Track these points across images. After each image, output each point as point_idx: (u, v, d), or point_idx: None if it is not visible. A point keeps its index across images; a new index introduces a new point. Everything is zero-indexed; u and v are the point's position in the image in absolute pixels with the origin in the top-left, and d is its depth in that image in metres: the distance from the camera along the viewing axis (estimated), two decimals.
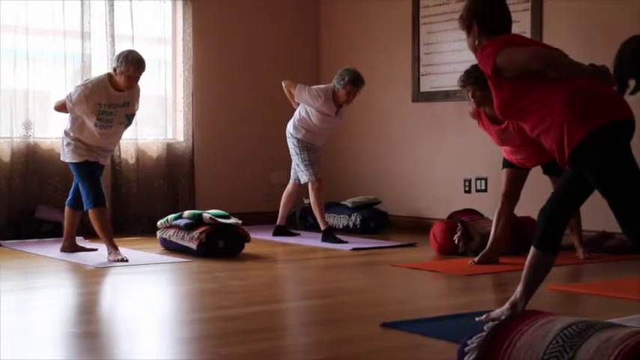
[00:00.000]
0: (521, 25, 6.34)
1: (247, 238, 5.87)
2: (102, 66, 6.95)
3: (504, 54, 3.35)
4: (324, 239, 6.53)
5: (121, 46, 7.00)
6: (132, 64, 5.42)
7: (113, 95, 5.50)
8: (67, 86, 6.84)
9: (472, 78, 4.94)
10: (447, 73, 7.10)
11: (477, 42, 3.48)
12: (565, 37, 6.05)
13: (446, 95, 7.17)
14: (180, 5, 7.56)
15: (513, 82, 3.37)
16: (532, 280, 3.48)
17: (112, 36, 7.10)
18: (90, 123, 5.51)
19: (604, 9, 6.13)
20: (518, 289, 3.51)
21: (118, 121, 5.57)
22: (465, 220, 5.90)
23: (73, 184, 5.79)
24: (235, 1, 7.88)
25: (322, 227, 6.60)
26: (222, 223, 5.79)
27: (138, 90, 5.66)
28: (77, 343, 3.31)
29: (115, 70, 5.48)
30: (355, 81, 6.44)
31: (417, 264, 5.42)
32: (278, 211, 7.00)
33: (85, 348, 3.23)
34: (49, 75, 6.99)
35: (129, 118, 5.65)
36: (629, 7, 5.98)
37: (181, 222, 5.87)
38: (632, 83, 3.39)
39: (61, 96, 5.92)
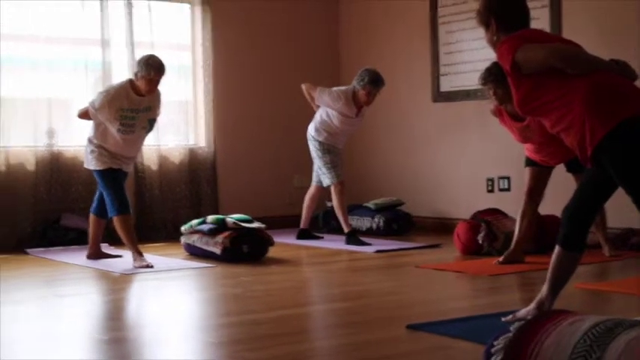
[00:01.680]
0: (539, 22, 6.31)
1: (271, 242, 5.88)
2: (122, 73, 7.00)
3: (523, 50, 3.34)
4: (347, 242, 6.53)
5: (141, 53, 7.03)
6: (152, 67, 5.46)
7: (135, 100, 5.54)
8: (88, 94, 6.88)
9: (493, 75, 4.92)
10: (466, 72, 7.08)
11: (495, 37, 3.48)
12: (584, 34, 6.02)
13: (466, 94, 7.15)
14: (199, 11, 7.60)
15: (533, 79, 3.36)
16: (558, 279, 3.47)
17: (132, 43, 7.15)
18: (113, 129, 5.55)
19: (622, 6, 6.09)
20: (544, 288, 3.50)
21: (140, 125, 5.60)
22: (489, 219, 5.88)
23: (97, 191, 5.83)
24: (253, 5, 7.91)
25: (346, 230, 6.60)
26: (245, 227, 5.81)
27: (159, 95, 5.70)
28: (104, 350, 3.33)
29: (136, 75, 5.52)
30: (375, 81, 6.44)
31: (441, 265, 5.41)
32: (301, 215, 7.01)
33: (112, 354, 3.25)
34: (71, 83, 7.05)
35: (151, 123, 5.69)
36: None
37: (205, 227, 5.89)
38: None
39: (82, 104, 5.97)
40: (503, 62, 3.42)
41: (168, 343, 3.48)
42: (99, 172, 5.64)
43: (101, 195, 5.73)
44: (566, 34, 6.23)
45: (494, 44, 3.48)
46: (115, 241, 6.14)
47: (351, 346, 3.31)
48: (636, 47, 3.80)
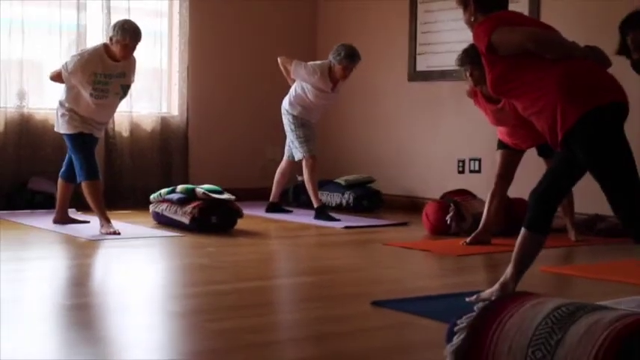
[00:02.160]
0: (518, 5, 6.31)
1: (240, 214, 5.87)
2: (97, 37, 6.93)
3: (499, 32, 3.34)
4: (316, 217, 6.54)
5: (117, 18, 6.96)
6: (128, 33, 5.40)
7: (109, 65, 5.48)
8: (61, 57, 6.80)
9: (470, 57, 4.93)
10: (443, 53, 7.07)
11: (472, 18, 3.47)
12: (562, 20, 6.03)
13: (442, 74, 7.15)
14: None
15: (507, 61, 3.36)
16: (522, 261, 3.49)
17: (108, 7, 7.07)
18: (85, 93, 5.49)
19: None
20: (509, 269, 3.52)
21: (113, 91, 5.55)
22: (458, 200, 5.91)
23: (67, 156, 5.78)
24: None
25: (315, 205, 6.60)
26: (215, 198, 5.79)
27: (134, 61, 5.64)
28: (67, 315, 3.31)
29: (111, 39, 5.46)
30: (351, 56, 6.42)
31: (409, 243, 5.43)
32: (271, 188, 6.99)
33: (75, 320, 3.23)
34: (44, 45, 6.96)
35: (124, 90, 5.63)
36: None
37: (174, 196, 5.87)
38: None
39: (55, 66, 5.90)
40: (478, 43, 3.43)
41: (131, 310, 3.47)
42: (69, 136, 5.59)
43: (71, 159, 5.68)
44: (545, 17, 6.23)
45: (472, 25, 3.48)
46: (83, 207, 6.09)
47: (315, 320, 3.32)
48: (615, 32, 3.80)
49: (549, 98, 3.27)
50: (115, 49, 5.45)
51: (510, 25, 3.39)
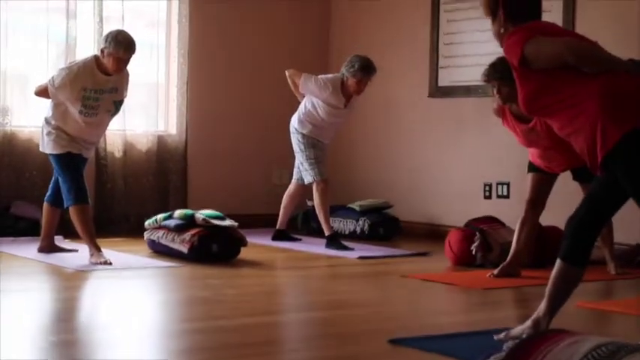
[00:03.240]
0: (551, 15, 6.33)
1: (244, 242, 5.87)
2: (88, 48, 6.97)
3: (534, 43, 3.35)
4: (328, 245, 6.53)
5: (110, 27, 7.01)
6: (121, 45, 5.43)
7: (100, 80, 5.50)
8: (48, 69, 6.85)
9: (498, 72, 4.93)
10: (468, 66, 7.09)
11: (502, 29, 3.48)
12: (599, 29, 6.04)
13: (466, 90, 7.16)
14: None
15: (542, 75, 3.36)
16: (557, 296, 3.47)
17: (101, 16, 7.12)
18: (74, 110, 5.51)
19: None
20: (542, 305, 3.50)
21: (104, 108, 5.57)
22: (484, 228, 5.90)
23: (53, 178, 5.79)
24: None
25: (327, 232, 6.60)
26: (216, 225, 5.79)
27: (127, 75, 5.67)
28: (52, 353, 3.30)
29: (102, 51, 5.48)
30: (366, 68, 6.44)
31: (430, 275, 5.42)
32: (278, 214, 7.00)
33: (61, 358, 3.22)
34: (29, 56, 7.00)
35: (116, 106, 5.66)
36: None
37: (171, 223, 5.87)
38: None
39: (41, 80, 5.93)
40: (510, 55, 3.43)
41: (123, 348, 3.46)
42: (56, 156, 5.61)
43: (57, 182, 5.69)
44: (580, 29, 6.25)
45: (501, 37, 3.48)
46: (71, 234, 6.10)
47: None
48: None
49: (588, 116, 3.27)
50: (107, 62, 5.48)
51: (545, 36, 3.39)
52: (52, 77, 5.60)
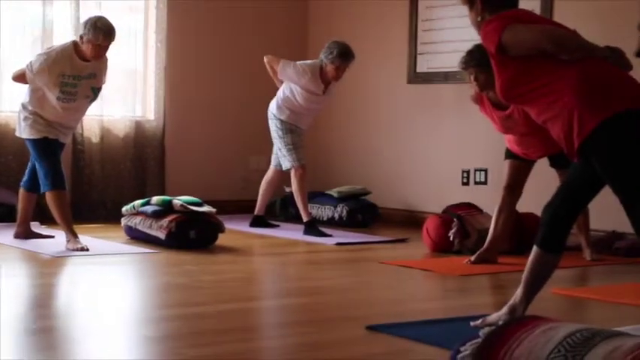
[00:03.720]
0: (529, 3, 6.33)
1: (221, 229, 5.86)
2: (65, 33, 6.92)
3: (511, 30, 3.35)
4: (306, 232, 6.53)
5: (87, 12, 6.96)
6: (101, 31, 5.39)
7: (78, 65, 5.47)
8: (25, 54, 6.79)
9: (475, 59, 4.94)
10: (446, 53, 7.09)
11: (479, 18, 3.48)
12: (578, 17, 6.06)
13: (445, 77, 7.17)
14: None
15: (519, 62, 3.37)
16: (533, 283, 3.49)
17: (77, 1, 7.05)
18: (52, 96, 5.47)
19: None
20: (518, 291, 3.52)
21: (82, 94, 5.54)
22: (462, 214, 5.91)
23: (29, 163, 5.76)
24: None
25: (305, 219, 6.60)
26: (194, 211, 5.78)
27: (106, 61, 5.64)
28: (30, 340, 3.30)
29: (81, 38, 5.45)
30: (344, 54, 6.43)
31: (407, 262, 5.43)
32: (256, 200, 6.99)
33: (38, 346, 3.21)
34: (5, 41, 6.93)
35: (95, 92, 5.63)
36: None
37: (149, 209, 5.86)
38: None
39: (18, 65, 5.88)
40: (487, 43, 3.43)
41: (100, 335, 3.45)
42: (33, 141, 5.57)
43: (34, 167, 5.66)
44: (559, 15, 6.27)
45: (479, 25, 3.48)
46: (47, 220, 6.07)
47: (303, 347, 3.31)
48: (634, 33, 3.83)
49: (565, 103, 3.28)
50: (86, 48, 5.44)
51: (523, 24, 3.39)
52: (30, 62, 5.56)
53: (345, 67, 6.48)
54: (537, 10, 6.36)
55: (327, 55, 6.46)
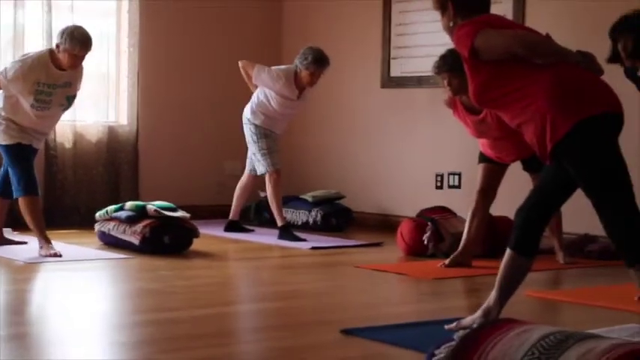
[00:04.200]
0: (502, 6, 6.37)
1: (196, 234, 5.84)
2: (36, 37, 6.88)
3: (484, 35, 3.37)
4: (280, 236, 6.53)
5: (58, 16, 6.96)
6: (78, 42, 5.36)
7: (54, 74, 5.44)
8: None
9: (448, 64, 4.96)
10: (420, 57, 7.11)
11: (451, 23, 3.50)
12: (549, 21, 6.10)
13: (418, 81, 7.19)
14: None
15: (492, 67, 3.38)
16: (507, 286, 3.50)
17: (49, 5, 7.01)
18: (26, 103, 5.44)
19: None
20: (492, 295, 3.53)
21: (57, 102, 5.51)
22: (436, 218, 5.93)
23: (2, 169, 5.72)
24: None
25: (279, 223, 6.59)
26: (168, 216, 5.77)
27: (81, 70, 5.61)
28: (3, 347, 3.26)
29: (57, 46, 5.41)
30: (319, 60, 6.44)
31: (382, 265, 5.44)
32: (231, 205, 6.98)
33: (12, 352, 3.18)
34: None
35: (69, 100, 5.60)
36: None
37: (123, 214, 5.83)
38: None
39: None
40: (460, 47, 3.45)
41: (74, 341, 3.43)
42: (6, 147, 5.53)
43: (6, 173, 5.62)
44: (531, 19, 6.31)
45: (451, 30, 3.50)
46: (20, 226, 6.02)
47: (278, 351, 3.30)
48: (606, 38, 3.87)
49: (538, 107, 3.30)
50: (62, 57, 5.41)
51: (495, 29, 3.41)
52: (5, 69, 5.52)
53: (320, 73, 6.49)
54: (509, 15, 6.39)
55: (301, 60, 6.46)
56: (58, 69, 5.45)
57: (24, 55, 5.65)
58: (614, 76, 3.70)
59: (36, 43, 6.79)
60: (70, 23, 5.96)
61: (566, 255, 5.62)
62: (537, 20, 6.14)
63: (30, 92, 5.40)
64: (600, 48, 3.73)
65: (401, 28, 7.37)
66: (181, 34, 7.83)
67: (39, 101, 5.43)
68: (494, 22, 3.48)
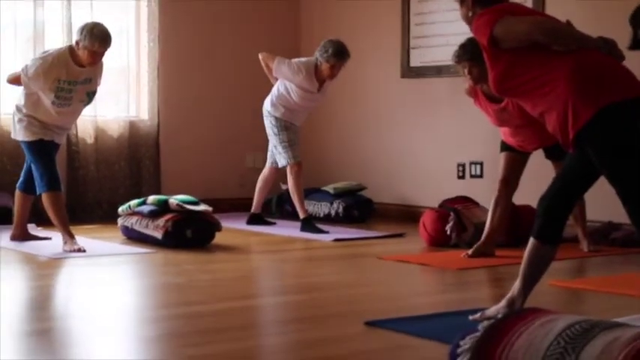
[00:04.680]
0: None
1: (218, 227, 5.85)
2: (56, 33, 6.91)
3: (503, 23, 3.35)
4: (303, 229, 6.53)
5: (78, 12, 6.97)
6: (97, 39, 5.37)
7: (74, 71, 5.46)
8: (16, 55, 6.79)
9: (468, 53, 4.94)
10: (439, 46, 7.09)
11: (470, 13, 3.48)
12: (569, 5, 6.07)
13: (438, 71, 7.17)
14: None
15: (512, 55, 3.37)
16: (531, 275, 3.49)
17: (69, 1, 7.03)
18: (47, 100, 5.47)
19: None
20: (516, 284, 3.52)
21: (77, 99, 5.53)
22: (458, 208, 5.91)
23: (25, 165, 5.76)
24: None
25: (301, 215, 6.60)
26: (190, 210, 5.78)
27: (101, 65, 5.63)
28: (29, 342, 3.29)
29: (77, 43, 5.43)
30: (340, 53, 6.42)
31: (405, 256, 5.43)
32: (253, 198, 6.99)
33: (37, 348, 3.21)
34: None
35: (89, 96, 5.62)
36: None
37: (145, 208, 5.85)
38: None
39: (10, 67, 5.87)
40: (479, 36, 3.43)
41: (99, 336, 3.45)
42: (28, 143, 5.57)
43: (29, 169, 5.66)
44: (550, 10, 6.27)
45: (470, 20, 3.48)
46: (44, 221, 6.07)
47: (302, 344, 3.31)
48: (627, 24, 3.85)
49: (559, 94, 3.28)
50: (82, 54, 5.43)
51: (514, 16, 3.40)
52: (26, 66, 5.54)
53: (341, 66, 6.48)
54: (529, 3, 6.36)
55: (322, 53, 6.45)
56: (78, 66, 5.47)
57: (44, 53, 5.68)
58: (636, 63, 3.68)
59: (56, 40, 6.82)
60: (89, 19, 5.99)
61: (590, 243, 5.59)
62: (556, 6, 6.11)
63: (51, 89, 5.42)
64: (621, 34, 3.69)
65: (420, 17, 7.34)
66: (200, 28, 7.84)
67: (60, 98, 5.46)
68: (513, 10, 3.46)
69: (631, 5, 4.02)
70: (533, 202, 3.66)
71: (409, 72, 7.45)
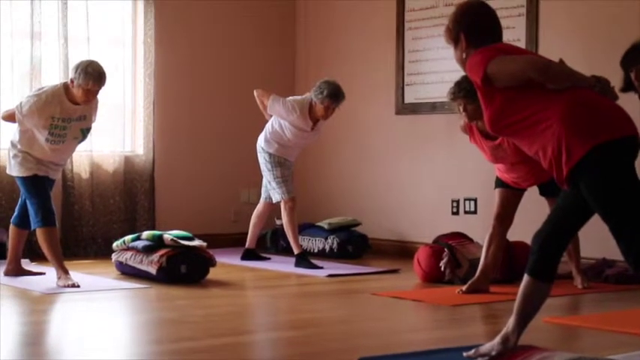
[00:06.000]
0: (515, 31, 6.38)
1: (212, 263, 5.85)
2: (53, 69, 6.93)
3: (496, 62, 3.37)
4: (297, 264, 6.52)
5: (75, 48, 7.00)
6: (91, 77, 5.38)
7: (68, 108, 5.47)
8: (13, 91, 6.81)
9: (463, 90, 4.97)
10: (434, 83, 7.13)
11: (464, 55, 3.50)
12: (562, 45, 6.11)
13: (432, 107, 7.20)
14: (141, 4, 7.55)
15: (506, 93, 3.38)
16: (525, 312, 3.48)
17: (65, 36, 7.07)
18: (41, 137, 5.48)
19: (603, 14, 6.19)
20: (511, 321, 3.51)
21: (71, 136, 5.54)
22: (453, 244, 5.91)
23: (20, 200, 5.75)
24: (202, 0, 7.88)
25: (295, 251, 6.59)
26: (184, 245, 5.77)
27: (96, 102, 5.65)
28: None
29: (72, 81, 5.44)
30: (334, 96, 6.42)
31: (399, 292, 5.42)
32: (247, 233, 6.98)
33: None
34: None
35: (84, 133, 5.63)
36: (629, 11, 6.05)
37: (139, 244, 5.84)
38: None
39: (6, 102, 5.88)
40: (473, 75, 3.44)
41: None
42: (23, 179, 5.57)
43: (24, 204, 5.65)
44: (543, 43, 6.32)
45: (464, 62, 3.50)
46: (38, 257, 6.05)
47: None
48: (618, 60, 3.88)
49: (554, 131, 3.29)
50: (77, 92, 5.44)
51: (507, 55, 3.42)
52: (20, 103, 5.56)
53: (335, 107, 6.47)
54: (522, 40, 6.41)
55: (317, 94, 6.45)
56: (73, 103, 5.48)
57: (39, 89, 5.69)
58: (628, 102, 3.70)
59: (53, 76, 6.85)
60: (86, 56, 6.01)
61: (584, 280, 5.59)
62: (550, 46, 6.16)
63: (44, 127, 5.43)
64: (613, 73, 3.72)
65: (414, 54, 7.38)
66: (196, 64, 7.87)
67: (53, 135, 5.47)
68: (506, 50, 3.49)
69: (622, 44, 4.05)
70: (528, 239, 3.66)
71: (404, 109, 7.48)
